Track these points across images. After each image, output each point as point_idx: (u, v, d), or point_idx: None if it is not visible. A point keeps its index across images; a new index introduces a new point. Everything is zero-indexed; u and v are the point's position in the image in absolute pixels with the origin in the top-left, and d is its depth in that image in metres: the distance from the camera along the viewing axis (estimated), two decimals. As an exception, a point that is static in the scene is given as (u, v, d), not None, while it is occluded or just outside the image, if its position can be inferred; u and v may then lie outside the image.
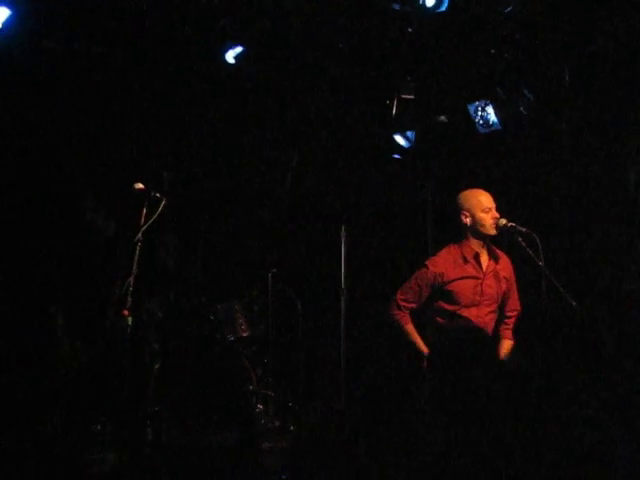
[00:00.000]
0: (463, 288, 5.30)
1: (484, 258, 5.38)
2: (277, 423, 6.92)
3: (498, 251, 5.42)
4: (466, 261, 5.34)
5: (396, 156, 7.58)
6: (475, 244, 5.35)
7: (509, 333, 5.47)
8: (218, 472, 5.62)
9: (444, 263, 5.37)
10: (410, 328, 5.39)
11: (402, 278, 5.53)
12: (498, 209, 5.33)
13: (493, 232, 5.31)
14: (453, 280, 5.31)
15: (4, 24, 6.20)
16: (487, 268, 5.37)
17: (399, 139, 7.41)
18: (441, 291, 5.33)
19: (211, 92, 7.34)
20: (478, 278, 5.33)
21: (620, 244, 6.77)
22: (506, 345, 5.44)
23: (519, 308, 5.54)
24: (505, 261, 5.46)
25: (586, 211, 6.90)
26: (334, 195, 7.69)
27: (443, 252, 5.45)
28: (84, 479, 5.50)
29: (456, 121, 7.27)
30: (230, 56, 6.90)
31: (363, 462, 5.88)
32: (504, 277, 5.42)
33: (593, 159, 6.97)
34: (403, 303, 5.38)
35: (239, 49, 6.88)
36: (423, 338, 5.37)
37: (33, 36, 6.55)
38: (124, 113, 7.27)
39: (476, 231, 5.32)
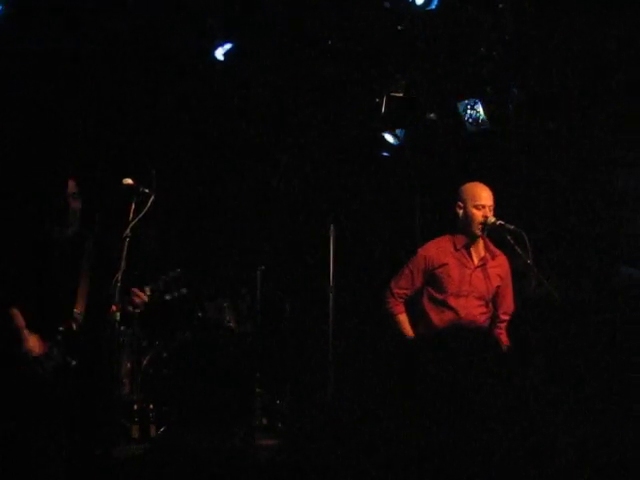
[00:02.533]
0: (451, 274, 5.27)
1: (476, 251, 5.33)
2: (265, 421, 6.90)
3: (495, 249, 5.37)
4: (457, 249, 5.32)
5: (385, 154, 7.58)
6: (467, 237, 5.32)
7: (504, 337, 5.36)
8: (210, 470, 5.59)
9: (435, 248, 5.38)
10: (402, 318, 5.37)
11: (390, 276, 5.53)
12: (494, 209, 5.25)
13: (478, 232, 5.25)
14: (442, 265, 5.29)
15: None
16: (478, 261, 5.34)
17: (388, 137, 7.40)
18: (432, 276, 5.31)
19: (200, 89, 7.33)
20: (467, 267, 5.30)
21: (606, 242, 6.79)
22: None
23: (513, 310, 5.46)
24: (501, 260, 5.40)
25: (575, 209, 6.91)
26: (323, 193, 7.68)
27: (436, 239, 5.46)
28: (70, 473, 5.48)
29: (445, 119, 7.27)
30: (219, 53, 6.88)
31: (351, 461, 5.88)
32: (498, 275, 5.36)
33: (581, 158, 6.99)
34: (396, 290, 5.37)
35: (228, 46, 6.86)
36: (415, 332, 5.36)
37: (22, 34, 6.52)
38: (113, 110, 7.25)
39: (465, 226, 5.29)
